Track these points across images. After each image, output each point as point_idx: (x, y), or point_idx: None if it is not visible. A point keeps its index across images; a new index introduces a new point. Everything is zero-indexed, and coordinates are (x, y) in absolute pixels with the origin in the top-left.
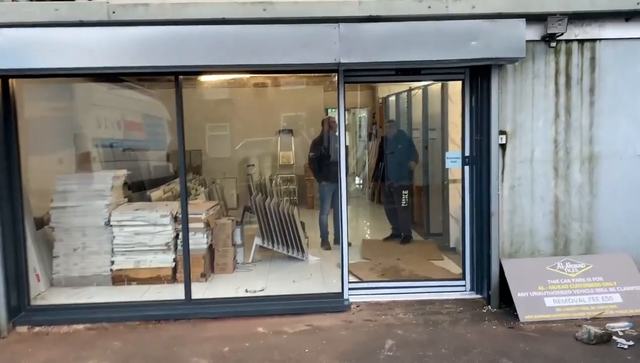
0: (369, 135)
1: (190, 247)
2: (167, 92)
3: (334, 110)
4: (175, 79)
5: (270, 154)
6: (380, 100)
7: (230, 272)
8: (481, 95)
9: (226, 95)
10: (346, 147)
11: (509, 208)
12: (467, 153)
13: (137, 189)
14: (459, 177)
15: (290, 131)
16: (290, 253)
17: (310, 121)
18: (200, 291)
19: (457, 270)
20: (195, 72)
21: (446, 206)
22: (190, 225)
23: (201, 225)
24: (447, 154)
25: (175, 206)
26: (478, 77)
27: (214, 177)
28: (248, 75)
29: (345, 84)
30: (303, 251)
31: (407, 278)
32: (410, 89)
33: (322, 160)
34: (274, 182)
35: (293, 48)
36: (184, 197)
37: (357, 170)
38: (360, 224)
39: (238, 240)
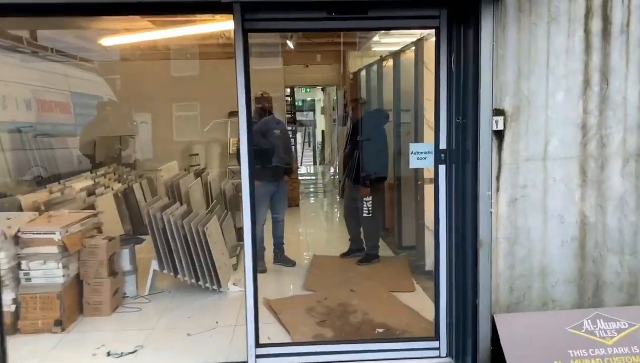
0: (343, 119)
1: (39, 281)
2: (109, 67)
3: (306, 90)
4: None
5: (219, 142)
6: (351, 76)
7: (107, 313)
8: (465, 51)
9: (172, 70)
10: (322, 132)
11: (507, 234)
12: (442, 145)
13: None
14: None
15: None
16: (200, 284)
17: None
18: (44, 351)
19: (430, 310)
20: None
21: (420, 213)
22: (37, 250)
23: (54, 249)
24: (412, 147)
25: (23, 219)
26: (461, 22)
27: (150, 168)
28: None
29: (249, 33)
30: (218, 281)
31: (349, 338)
32: (381, 58)
33: (254, 151)
34: (198, 179)
35: None
36: None
37: (332, 159)
38: (321, 230)
39: (127, 266)
